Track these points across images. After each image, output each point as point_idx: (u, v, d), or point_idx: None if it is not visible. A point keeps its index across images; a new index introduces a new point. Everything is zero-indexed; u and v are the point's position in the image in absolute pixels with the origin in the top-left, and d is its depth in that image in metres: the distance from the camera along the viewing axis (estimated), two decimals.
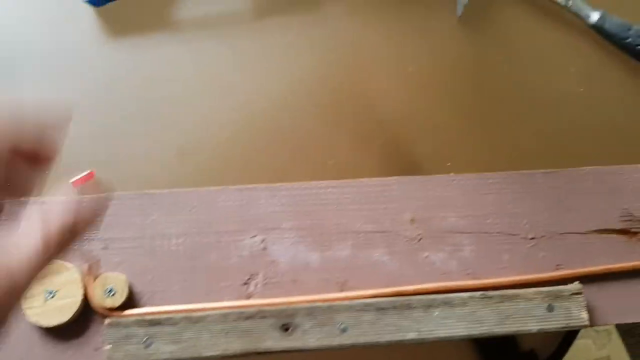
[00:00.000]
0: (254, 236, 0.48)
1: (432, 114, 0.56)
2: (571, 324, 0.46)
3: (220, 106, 0.55)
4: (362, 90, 0.56)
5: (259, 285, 0.47)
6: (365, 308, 0.45)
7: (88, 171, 0.50)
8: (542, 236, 0.50)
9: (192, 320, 0.43)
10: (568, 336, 0.52)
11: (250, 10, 0.58)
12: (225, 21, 0.58)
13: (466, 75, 0.58)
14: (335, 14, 0.59)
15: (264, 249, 0.47)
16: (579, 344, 1.18)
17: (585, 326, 0.47)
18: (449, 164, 0.55)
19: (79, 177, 0.49)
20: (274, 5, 0.59)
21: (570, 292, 0.47)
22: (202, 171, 0.52)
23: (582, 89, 0.58)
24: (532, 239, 0.50)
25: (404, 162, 0.54)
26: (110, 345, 0.42)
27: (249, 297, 0.46)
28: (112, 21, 0.57)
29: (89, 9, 0.57)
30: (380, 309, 0.45)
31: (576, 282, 0.48)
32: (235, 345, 0.43)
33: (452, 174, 0.51)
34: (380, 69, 0.57)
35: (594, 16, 0.58)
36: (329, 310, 0.45)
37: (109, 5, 0.57)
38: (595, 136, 0.56)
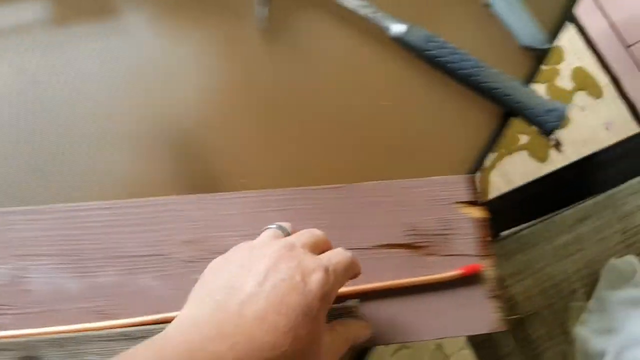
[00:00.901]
0: (8, 263, 0.45)
1: (231, 128, 0.54)
2: None
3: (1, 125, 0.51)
4: (159, 103, 0.54)
5: (11, 316, 0.44)
6: (115, 338, 0.43)
7: None
8: None
9: None
10: (360, 354, 0.51)
11: (44, 22, 0.55)
12: (20, 33, 0.55)
13: (267, 89, 0.56)
14: (135, 24, 0.56)
15: (20, 277, 0.44)
16: (460, 355, 1.19)
17: (356, 345, 0.46)
18: (243, 180, 0.53)
19: None
20: (71, 16, 0.56)
21: (346, 309, 0.46)
22: None
23: (385, 103, 0.57)
24: None
25: (197, 180, 0.52)
26: None
27: None
28: None
29: None
30: (132, 338, 0.43)
31: (354, 300, 0.46)
32: None
33: (242, 191, 0.50)
34: (179, 81, 0.55)
35: (396, 28, 0.57)
36: (77, 341, 0.42)
37: None
38: (397, 150, 0.56)
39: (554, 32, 0.63)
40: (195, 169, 0.53)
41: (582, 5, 1.55)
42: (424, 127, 0.57)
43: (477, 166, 0.57)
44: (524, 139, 1.44)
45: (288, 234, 0.41)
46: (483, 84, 0.57)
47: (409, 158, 0.56)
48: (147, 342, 0.31)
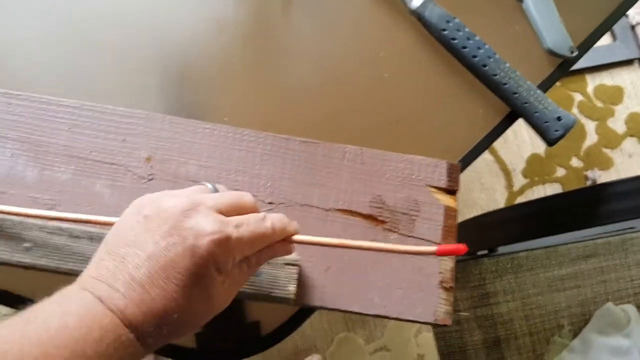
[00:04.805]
0: None
1: (231, 67, 0.54)
2: (275, 294, 0.44)
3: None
4: (162, 27, 0.54)
5: None
6: (57, 232, 0.43)
7: None
8: (281, 203, 0.47)
9: None
10: (299, 313, 0.49)
11: None
12: None
13: (275, 38, 0.55)
14: None
15: None
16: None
17: (290, 300, 0.44)
18: (226, 118, 0.52)
19: None
20: None
21: (284, 262, 0.45)
22: None
23: (386, 75, 0.55)
24: (270, 203, 0.47)
25: (183, 105, 0.52)
26: None
27: None
28: None
29: None
30: (73, 236, 0.43)
31: (295, 254, 0.45)
32: None
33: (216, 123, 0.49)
34: (186, 10, 0.55)
35: (416, 2, 0.55)
36: (19, 226, 0.43)
37: None
38: (389, 122, 0.54)
39: (584, 46, 0.59)
40: (184, 94, 0.53)
41: None
42: (423, 107, 0.55)
43: (468, 159, 0.55)
44: (560, 171, 1.38)
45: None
46: (493, 77, 0.54)
47: (400, 133, 0.55)
48: (53, 296, 0.31)
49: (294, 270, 0.44)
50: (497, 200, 1.31)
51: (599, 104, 1.44)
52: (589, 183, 1.36)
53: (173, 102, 0.52)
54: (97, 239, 0.43)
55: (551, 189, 1.36)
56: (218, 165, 0.48)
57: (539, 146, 1.37)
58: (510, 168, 1.35)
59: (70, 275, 0.42)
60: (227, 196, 0.36)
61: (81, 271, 0.41)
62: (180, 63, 0.53)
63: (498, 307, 0.82)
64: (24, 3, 0.53)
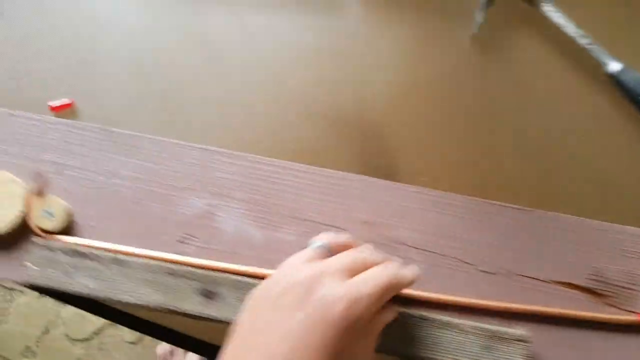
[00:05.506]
0: (204, 198, 0.47)
1: (424, 126, 0.55)
2: None
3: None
4: (359, 89, 0.56)
5: (195, 247, 0.46)
6: None
7: (68, 100, 0.51)
8: (498, 273, 0.47)
9: (117, 262, 0.43)
10: None
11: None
12: None
13: (464, 95, 0.56)
14: (353, 14, 0.59)
15: (211, 213, 0.47)
16: None
17: None
18: (424, 178, 0.53)
19: (58, 103, 0.50)
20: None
21: (514, 337, 0.44)
22: (184, 124, 0.52)
23: (583, 139, 0.55)
24: (485, 272, 0.47)
25: (380, 167, 0.53)
26: (30, 264, 0.42)
27: (182, 255, 0.45)
28: None
29: None
30: None
31: (523, 329, 0.44)
32: (153, 298, 0.43)
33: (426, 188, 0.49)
34: (382, 72, 0.56)
35: (614, 66, 0.55)
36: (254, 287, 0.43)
37: None
38: (584, 187, 0.53)
39: None
40: (379, 155, 0.54)
41: None
42: (620, 172, 0.54)
43: None
44: None
45: (328, 253, 0.40)
46: None
47: (594, 199, 0.54)
48: None
49: (526, 347, 0.44)
50: None
51: None
52: None
53: (368, 163, 0.53)
54: None
55: None
56: (428, 230, 0.48)
57: None
58: None
59: None
60: (345, 259, 0.37)
61: None
62: (374, 124, 0.54)
63: None
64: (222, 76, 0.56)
